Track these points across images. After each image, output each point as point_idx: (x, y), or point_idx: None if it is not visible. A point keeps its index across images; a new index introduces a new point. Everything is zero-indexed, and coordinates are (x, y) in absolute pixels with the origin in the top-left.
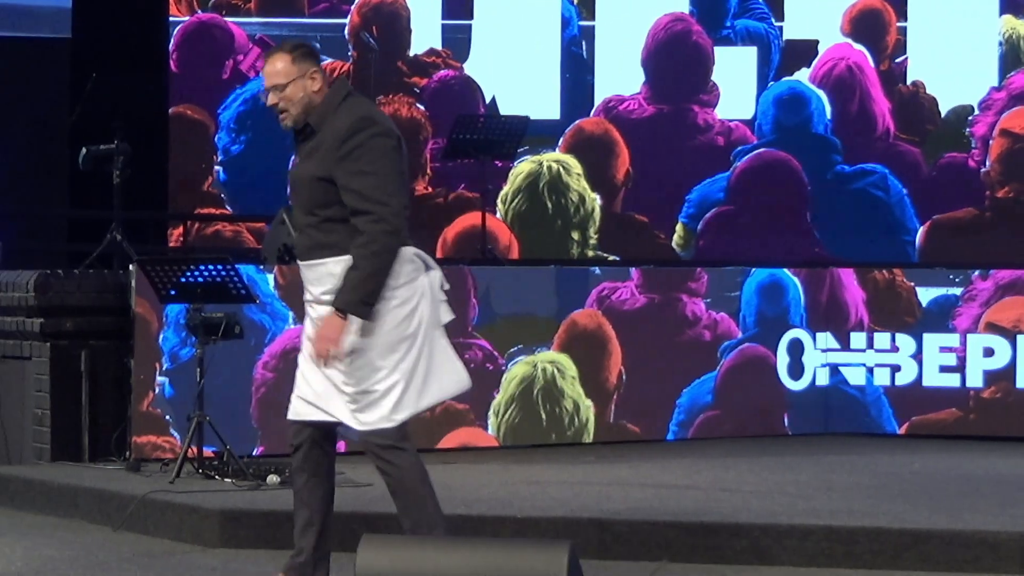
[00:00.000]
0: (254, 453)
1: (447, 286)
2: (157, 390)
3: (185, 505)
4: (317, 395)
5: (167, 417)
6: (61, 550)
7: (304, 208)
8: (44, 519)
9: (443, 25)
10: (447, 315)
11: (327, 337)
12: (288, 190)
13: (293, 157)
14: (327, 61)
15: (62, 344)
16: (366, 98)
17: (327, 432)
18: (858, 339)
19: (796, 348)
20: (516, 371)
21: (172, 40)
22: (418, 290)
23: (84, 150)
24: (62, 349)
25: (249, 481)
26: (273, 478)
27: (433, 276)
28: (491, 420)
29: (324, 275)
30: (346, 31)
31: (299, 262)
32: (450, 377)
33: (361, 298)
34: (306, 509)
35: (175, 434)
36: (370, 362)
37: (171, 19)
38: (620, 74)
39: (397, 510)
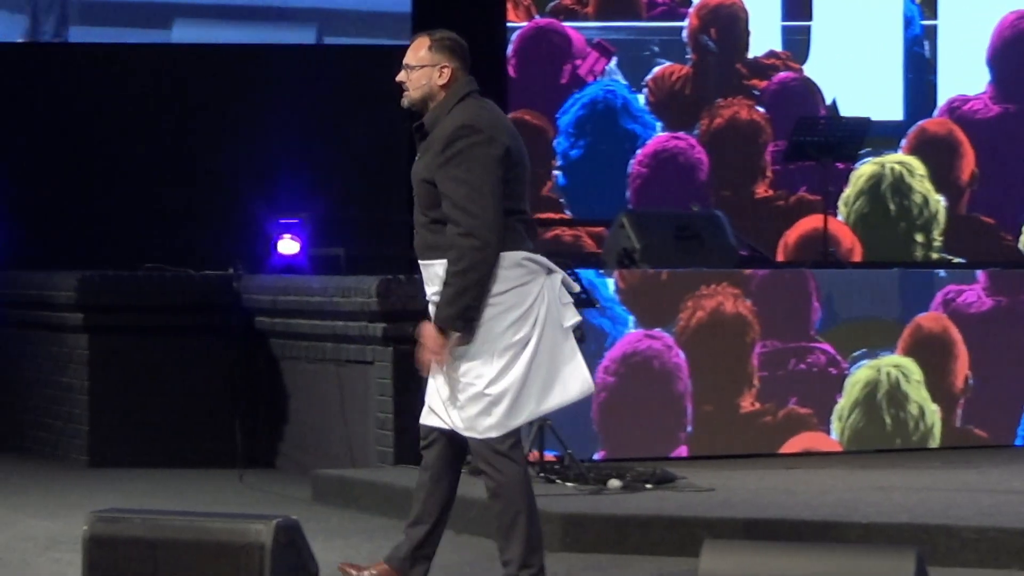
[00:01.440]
0: (595, 457)
1: (575, 288)
2: None
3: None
4: (437, 402)
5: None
6: None
7: (418, 207)
8: (388, 521)
9: (783, 27)
10: (572, 318)
11: (427, 347)
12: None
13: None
14: (665, 64)
15: (404, 348)
16: (486, 101)
17: (455, 437)
18: None
19: None
20: (860, 375)
21: (510, 46)
22: (531, 294)
23: None
24: (404, 353)
25: (590, 485)
26: (615, 482)
27: (554, 279)
28: (834, 425)
29: (433, 276)
30: (684, 34)
31: (419, 260)
32: (575, 381)
33: (457, 313)
34: (420, 505)
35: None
36: (476, 369)
37: (509, 25)
38: (964, 73)
39: (494, 513)
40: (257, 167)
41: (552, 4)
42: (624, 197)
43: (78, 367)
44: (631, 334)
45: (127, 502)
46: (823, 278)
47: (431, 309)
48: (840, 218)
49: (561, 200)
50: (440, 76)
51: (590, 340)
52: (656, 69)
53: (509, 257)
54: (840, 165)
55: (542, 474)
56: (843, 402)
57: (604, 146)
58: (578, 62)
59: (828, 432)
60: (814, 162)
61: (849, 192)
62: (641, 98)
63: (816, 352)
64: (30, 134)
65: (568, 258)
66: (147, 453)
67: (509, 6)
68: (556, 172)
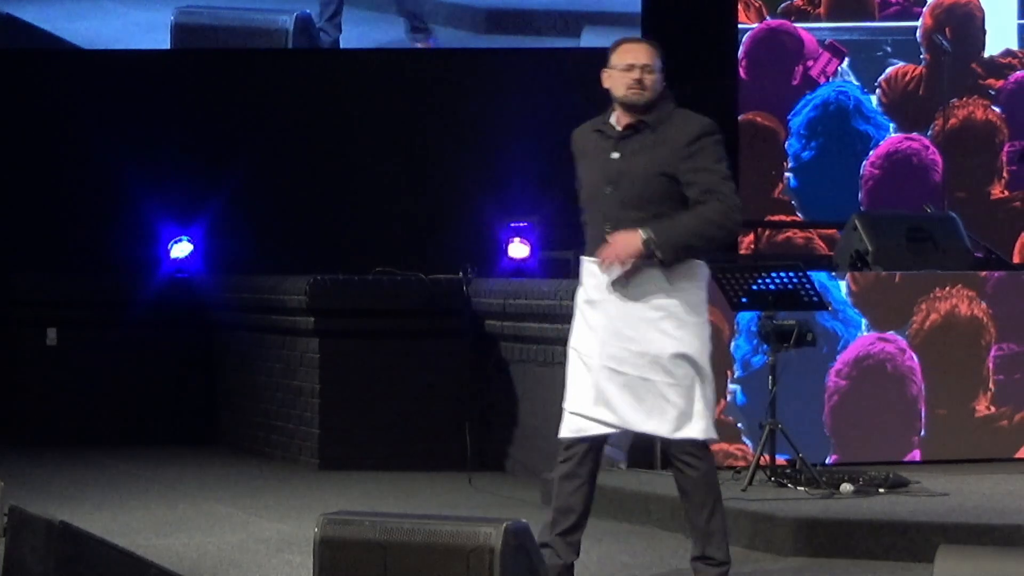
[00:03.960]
0: (827, 461)
1: None
2: (729, 398)
3: (758, 513)
4: (607, 404)
5: (739, 425)
6: (635, 556)
7: (632, 203)
8: (618, 525)
9: (1019, 25)
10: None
11: (618, 250)
12: (598, 183)
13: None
14: (898, 65)
15: None
16: None
17: (602, 442)
18: None
19: None
20: None
21: (742, 47)
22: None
23: None
24: None
25: (822, 489)
26: (847, 487)
27: None
28: None
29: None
30: (918, 33)
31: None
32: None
33: (674, 240)
34: (571, 511)
35: (747, 442)
36: (698, 369)
37: (741, 26)
38: None
39: (692, 508)
40: (488, 170)
41: (784, 5)
42: (856, 199)
43: (309, 370)
44: (864, 337)
45: (357, 505)
46: None
47: (586, 311)
48: None
49: (793, 202)
50: (660, 82)
51: (822, 343)
52: (889, 69)
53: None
54: None
55: (773, 478)
56: None
57: (836, 147)
58: (810, 63)
59: None
60: None
61: None
62: (874, 99)
63: None
64: (263, 139)
65: (800, 260)
66: (377, 456)
67: (740, 7)
68: (788, 174)
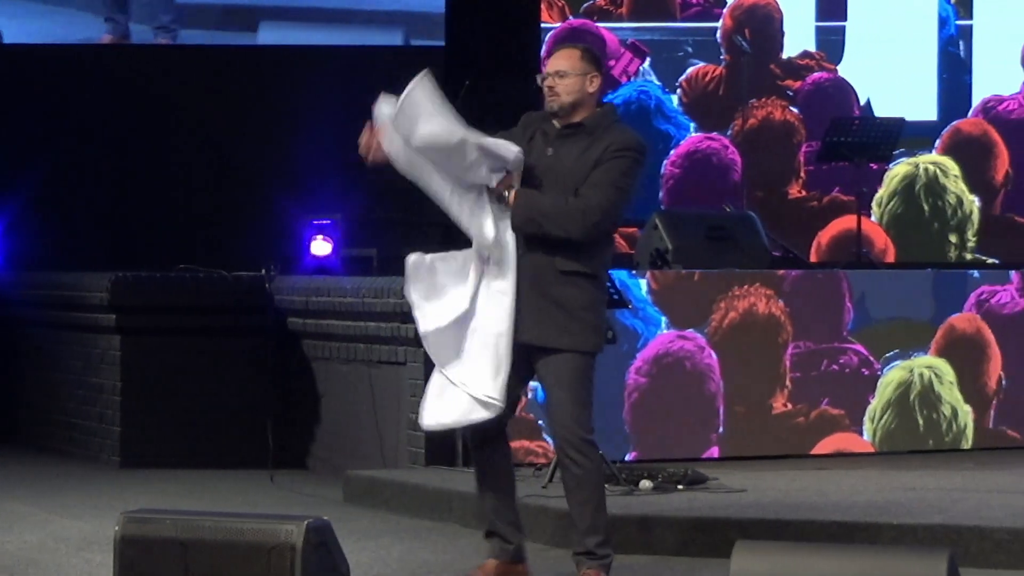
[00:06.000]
0: (627, 458)
1: None
2: (530, 395)
3: (558, 510)
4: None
5: (540, 422)
6: (436, 554)
7: (561, 193)
8: (419, 523)
9: (817, 27)
10: None
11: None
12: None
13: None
14: (699, 65)
15: None
16: None
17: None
18: None
19: None
20: (892, 376)
21: (544, 46)
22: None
23: None
24: None
25: (622, 486)
26: (646, 483)
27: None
28: (867, 426)
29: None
30: (718, 34)
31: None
32: None
33: (528, 210)
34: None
35: (547, 439)
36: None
37: (543, 25)
38: (999, 73)
39: (576, 506)
40: (290, 168)
41: (586, 5)
42: (657, 198)
43: (110, 368)
44: (663, 335)
45: (158, 503)
46: (856, 279)
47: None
48: (873, 219)
49: None
50: (590, 84)
51: (622, 341)
52: (690, 70)
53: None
54: (874, 166)
55: None
56: (875, 403)
57: None
58: (612, 63)
59: (860, 433)
60: (848, 163)
61: (883, 193)
62: (675, 99)
63: (849, 353)
64: (64, 135)
65: None
66: (179, 454)
67: (543, 7)
68: None
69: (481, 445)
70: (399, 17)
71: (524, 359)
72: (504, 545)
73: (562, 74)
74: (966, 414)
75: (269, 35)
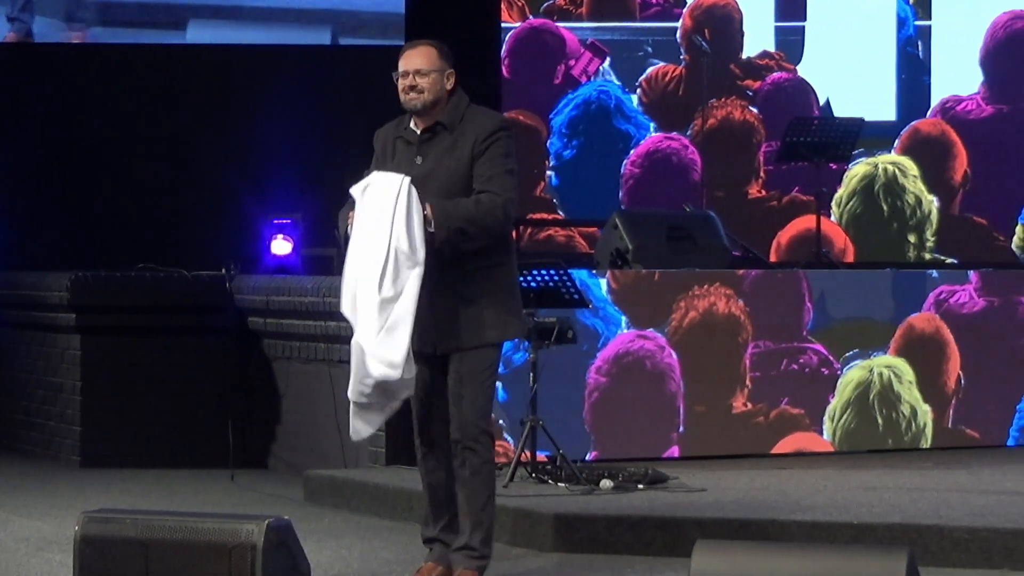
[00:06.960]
0: (587, 458)
1: None
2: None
3: (519, 509)
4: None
5: (500, 422)
6: (397, 553)
7: (445, 197)
8: (380, 522)
9: (776, 27)
10: None
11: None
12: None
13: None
14: (658, 65)
15: None
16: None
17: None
18: None
19: None
20: (852, 375)
21: (504, 46)
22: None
23: None
24: None
25: (582, 485)
26: (606, 483)
27: None
28: (826, 425)
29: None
30: (678, 34)
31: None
32: None
33: (450, 221)
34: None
35: (508, 438)
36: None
37: (503, 25)
38: (957, 74)
39: (467, 499)
40: (250, 167)
41: (546, 4)
42: (617, 197)
43: (70, 367)
44: (623, 334)
45: (119, 502)
46: (816, 278)
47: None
48: (833, 219)
49: (554, 200)
50: (448, 81)
51: (583, 340)
52: (649, 69)
53: None
54: (833, 166)
55: (534, 474)
56: (835, 402)
57: (597, 146)
58: (571, 62)
59: (820, 432)
60: (807, 162)
61: (842, 192)
62: (634, 98)
63: (808, 352)
64: (22, 134)
65: (561, 258)
66: (139, 453)
67: (503, 6)
68: (549, 172)
69: (424, 456)
70: (327, 16)
71: (442, 360)
72: (443, 549)
73: (423, 72)
74: (925, 413)
75: (199, 34)
